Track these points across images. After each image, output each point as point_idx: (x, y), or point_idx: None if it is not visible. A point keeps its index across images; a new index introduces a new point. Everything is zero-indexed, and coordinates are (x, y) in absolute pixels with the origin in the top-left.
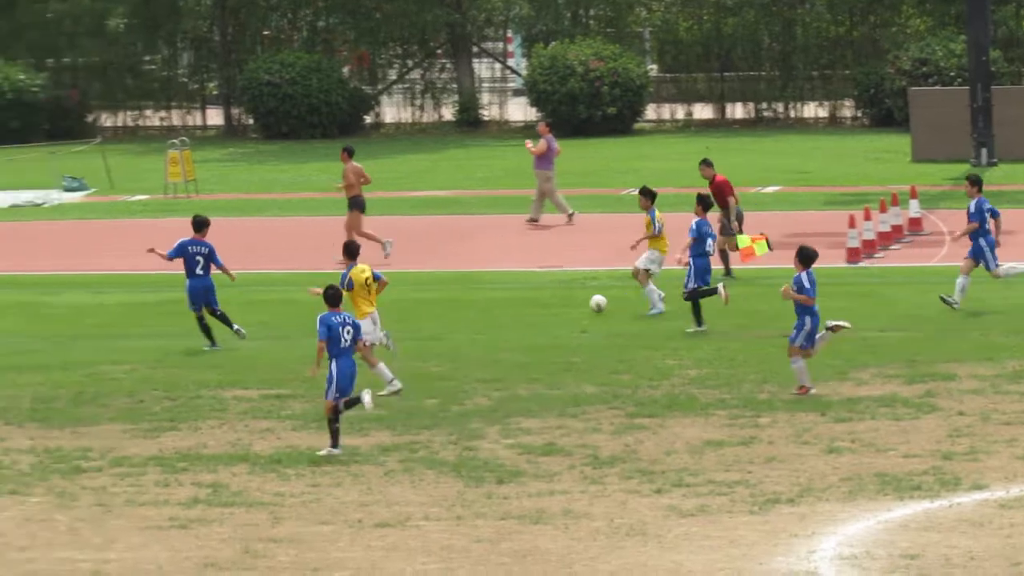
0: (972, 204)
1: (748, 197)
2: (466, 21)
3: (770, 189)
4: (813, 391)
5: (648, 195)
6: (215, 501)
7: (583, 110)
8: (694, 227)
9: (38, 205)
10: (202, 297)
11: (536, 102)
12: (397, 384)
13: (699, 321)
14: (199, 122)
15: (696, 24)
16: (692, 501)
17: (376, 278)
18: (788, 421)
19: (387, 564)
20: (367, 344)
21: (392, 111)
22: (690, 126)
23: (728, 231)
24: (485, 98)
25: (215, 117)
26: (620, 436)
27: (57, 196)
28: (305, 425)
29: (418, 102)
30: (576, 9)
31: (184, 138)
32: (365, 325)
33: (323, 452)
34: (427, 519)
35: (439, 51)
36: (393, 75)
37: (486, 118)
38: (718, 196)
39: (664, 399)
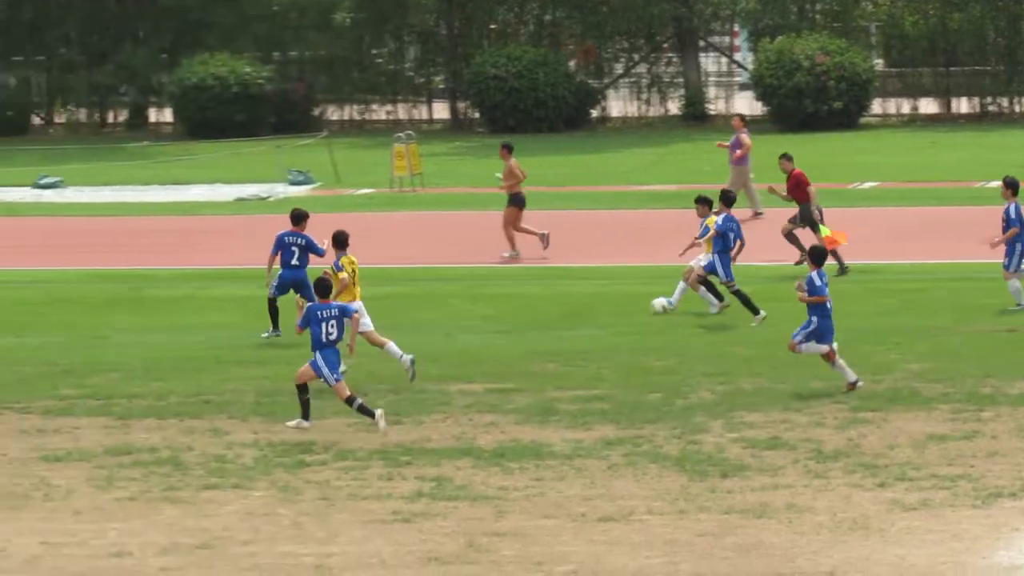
0: (1011, 208)
1: (973, 192)
2: (693, 15)
3: (995, 184)
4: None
5: (705, 203)
6: (439, 495)
7: (809, 104)
8: (720, 222)
9: (263, 199)
10: (289, 288)
11: (762, 96)
12: (407, 360)
13: (720, 297)
14: (425, 116)
15: (922, 19)
16: (915, 495)
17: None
18: (1011, 415)
19: (610, 558)
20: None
21: (618, 105)
22: (915, 121)
23: (797, 222)
24: (711, 92)
25: (441, 111)
26: (844, 430)
27: (282, 190)
28: (529, 419)
29: (644, 96)
30: (803, 3)
31: (410, 132)
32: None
33: (292, 423)
34: (650, 513)
35: (665, 45)
36: (619, 69)
37: (712, 112)
38: (795, 190)
39: (887, 393)
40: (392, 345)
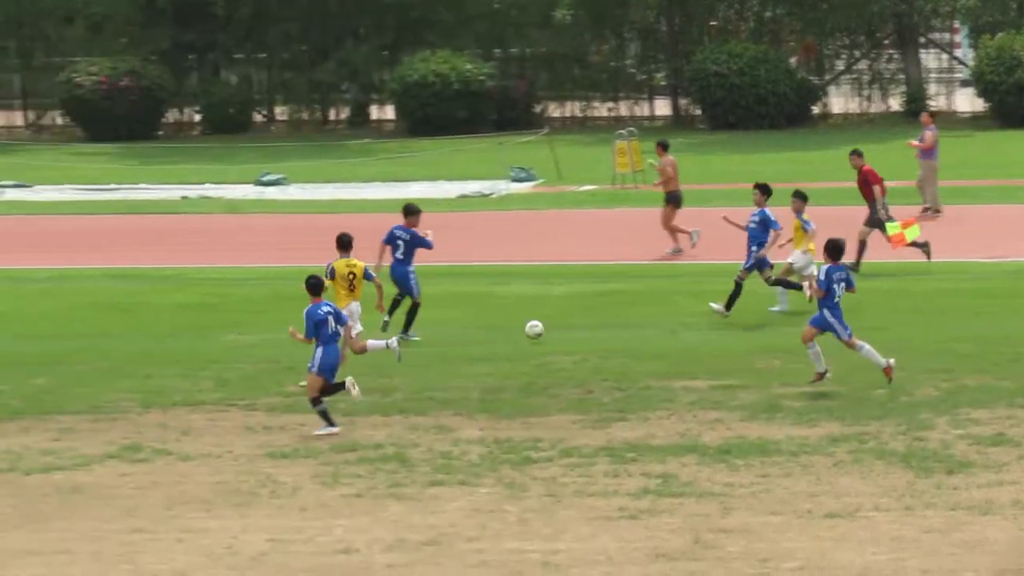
0: None
1: None
2: (913, 12)
3: None
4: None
5: (801, 197)
6: (664, 491)
7: None
8: (770, 217)
9: (486, 195)
10: (399, 283)
11: (983, 93)
12: (394, 343)
13: (728, 306)
14: (646, 112)
15: None
16: None
17: (368, 278)
18: None
19: (836, 555)
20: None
21: (839, 102)
22: None
23: (875, 222)
24: (932, 88)
25: (663, 107)
26: None
27: (504, 186)
28: (754, 415)
29: (865, 92)
30: None
31: (632, 128)
32: (351, 311)
33: (321, 431)
34: (876, 509)
35: (886, 42)
36: (840, 66)
37: (933, 108)
38: (864, 186)
39: None
40: (372, 341)
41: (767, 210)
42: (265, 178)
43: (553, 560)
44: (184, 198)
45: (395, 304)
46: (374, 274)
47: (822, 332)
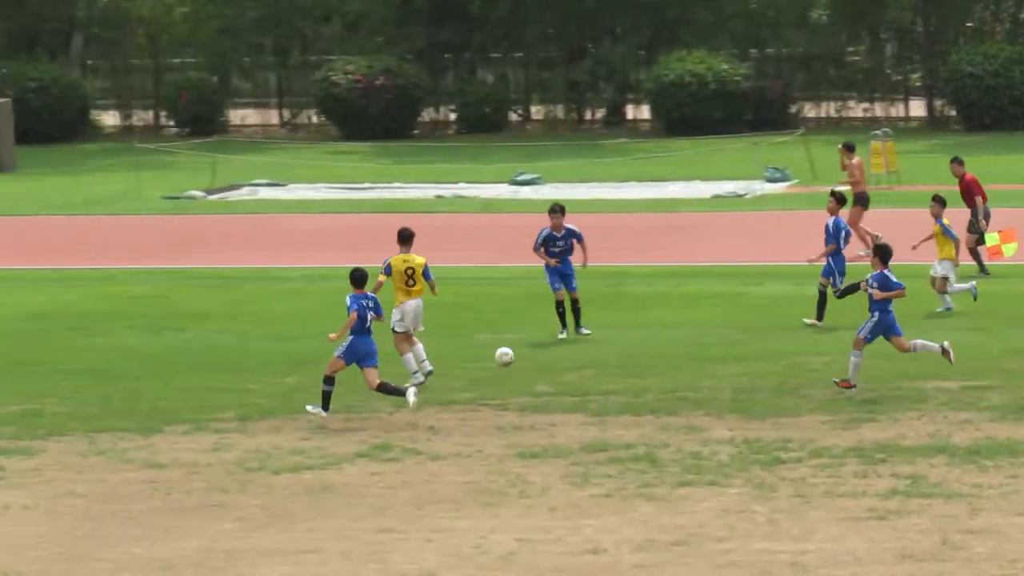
0: None
1: None
2: None
3: None
4: (854, 391)
5: (940, 202)
6: (913, 492)
7: None
8: (832, 225)
9: (740, 196)
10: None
11: None
12: (420, 377)
13: (820, 316)
14: (901, 113)
15: None
16: None
17: (426, 276)
18: None
19: None
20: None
21: None
22: None
23: (975, 229)
24: None
25: (917, 108)
26: None
27: (759, 187)
28: (1004, 416)
29: None
30: None
31: (887, 129)
32: (405, 310)
33: (311, 408)
34: None
35: None
36: None
37: None
38: (966, 195)
39: None
40: (410, 357)
41: (836, 219)
42: (520, 177)
43: (801, 560)
44: (438, 197)
45: (561, 312)
46: (432, 276)
47: (889, 336)
